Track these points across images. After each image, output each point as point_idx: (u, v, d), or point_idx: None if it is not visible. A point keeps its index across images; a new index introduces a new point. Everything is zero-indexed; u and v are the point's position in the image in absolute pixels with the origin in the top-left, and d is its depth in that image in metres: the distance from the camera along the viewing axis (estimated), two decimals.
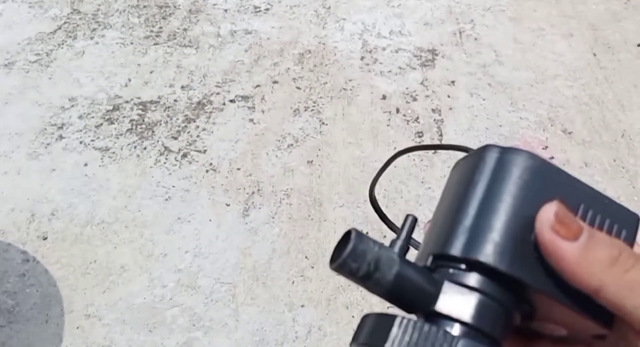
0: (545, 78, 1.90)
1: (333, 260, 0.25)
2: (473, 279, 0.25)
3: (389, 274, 0.25)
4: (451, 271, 0.26)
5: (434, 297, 0.25)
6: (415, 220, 0.29)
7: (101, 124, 1.76)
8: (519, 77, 1.91)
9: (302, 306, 1.38)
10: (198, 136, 1.73)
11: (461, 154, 0.31)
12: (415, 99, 1.83)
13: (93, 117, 1.78)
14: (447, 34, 2.07)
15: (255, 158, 1.67)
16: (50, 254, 1.46)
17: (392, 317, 0.24)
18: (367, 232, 1.48)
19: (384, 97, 1.84)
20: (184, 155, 1.68)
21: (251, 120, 1.78)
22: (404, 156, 1.66)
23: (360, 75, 1.91)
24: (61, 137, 1.72)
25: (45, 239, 1.49)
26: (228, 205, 1.56)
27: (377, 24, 2.10)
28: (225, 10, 2.16)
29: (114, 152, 1.68)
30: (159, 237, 1.49)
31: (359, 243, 0.25)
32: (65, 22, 2.10)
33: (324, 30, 2.08)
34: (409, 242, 0.28)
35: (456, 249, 0.26)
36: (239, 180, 1.62)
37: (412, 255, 0.28)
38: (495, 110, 1.80)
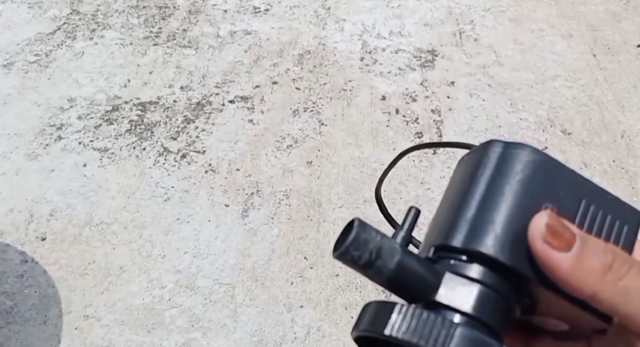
0: (545, 79, 1.90)
1: (336, 248, 0.26)
2: (474, 270, 0.26)
3: (391, 262, 0.25)
4: (452, 262, 0.26)
5: (435, 288, 0.26)
6: (418, 212, 0.29)
7: (100, 125, 1.76)
8: (519, 78, 1.90)
9: (301, 306, 1.38)
10: (197, 137, 1.73)
11: (464, 152, 0.31)
12: (414, 100, 1.83)
13: (92, 117, 1.78)
14: (447, 34, 2.06)
15: (255, 159, 1.67)
16: (49, 255, 1.46)
17: (392, 305, 0.24)
18: None
19: (383, 98, 1.84)
20: (183, 156, 1.68)
21: (250, 121, 1.77)
22: (404, 157, 1.66)
23: (360, 76, 1.91)
24: (60, 137, 1.72)
25: (43, 239, 1.48)
26: (227, 206, 1.56)
27: (376, 25, 2.10)
28: (225, 11, 2.16)
29: (113, 153, 1.68)
30: (158, 238, 1.49)
31: (362, 232, 0.25)
32: (64, 23, 2.10)
33: (324, 31, 2.08)
34: (411, 233, 0.28)
35: (457, 240, 0.26)
36: (238, 181, 1.62)
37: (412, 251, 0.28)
38: (494, 111, 1.80)
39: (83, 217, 1.53)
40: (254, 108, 1.81)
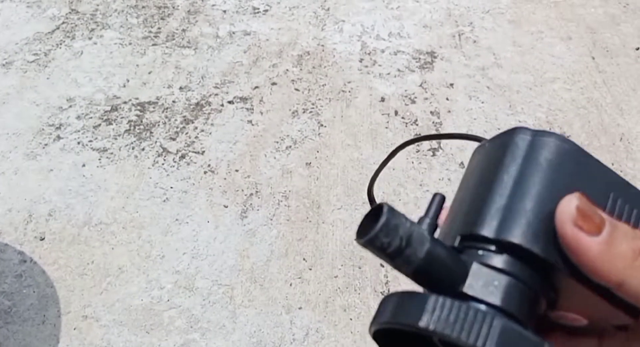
0: (543, 81, 1.91)
1: (362, 234, 0.24)
2: (503, 261, 0.25)
3: (420, 251, 0.24)
4: (480, 252, 0.25)
5: (462, 279, 0.25)
6: (443, 198, 0.28)
7: (99, 125, 1.76)
8: (518, 80, 1.91)
9: (300, 308, 1.38)
10: (196, 137, 1.73)
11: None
12: (413, 102, 1.83)
13: (91, 117, 1.78)
14: (446, 36, 2.07)
15: (254, 160, 1.67)
16: (48, 255, 1.45)
17: (424, 296, 0.23)
18: None
19: (382, 100, 1.84)
20: (182, 157, 1.68)
21: (249, 121, 1.77)
22: (403, 158, 1.66)
23: (359, 77, 1.91)
24: (59, 137, 1.72)
25: (42, 239, 1.48)
26: (226, 206, 1.56)
27: (376, 26, 2.10)
28: (224, 11, 2.16)
29: (112, 153, 1.68)
30: (157, 239, 1.49)
31: (392, 217, 0.24)
32: (63, 22, 2.09)
33: (323, 31, 2.08)
34: (436, 220, 0.27)
35: (488, 230, 0.25)
36: (237, 181, 1.62)
37: None
38: (493, 113, 1.80)
39: (82, 217, 1.53)
40: (253, 109, 1.81)
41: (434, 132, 1.74)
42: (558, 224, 0.24)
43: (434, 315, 0.22)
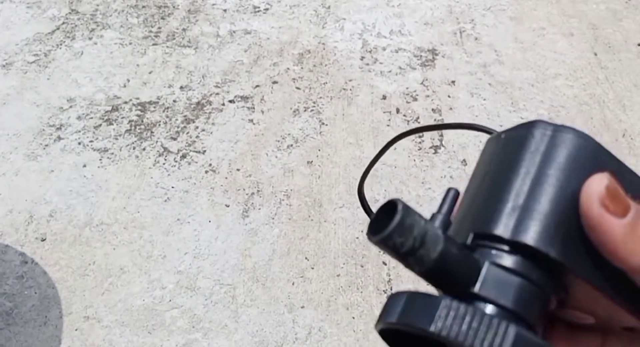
0: (545, 78, 1.90)
1: (375, 232, 0.23)
2: (516, 262, 0.24)
3: (434, 251, 0.23)
4: (493, 252, 0.25)
5: (474, 279, 0.24)
6: (457, 193, 0.28)
7: (100, 125, 1.75)
8: (520, 77, 1.90)
9: (302, 307, 1.37)
10: (197, 137, 1.72)
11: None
12: (415, 99, 1.82)
13: (92, 117, 1.77)
14: (448, 33, 2.06)
15: (255, 159, 1.66)
16: (49, 256, 1.45)
17: (435, 298, 0.22)
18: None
19: (384, 97, 1.83)
20: (183, 156, 1.67)
21: (251, 120, 1.77)
22: (405, 156, 1.66)
23: (360, 75, 1.91)
24: (59, 138, 1.72)
25: (43, 240, 1.48)
26: (227, 206, 1.55)
27: (377, 24, 2.10)
28: (225, 10, 2.15)
29: (112, 153, 1.68)
30: (158, 239, 1.49)
31: (407, 216, 0.23)
32: (63, 23, 2.09)
33: (324, 30, 2.08)
34: (449, 216, 0.27)
35: (503, 230, 0.24)
36: (239, 181, 1.61)
37: None
38: (495, 110, 1.80)
39: (83, 218, 1.53)
40: (254, 108, 1.80)
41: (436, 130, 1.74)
42: (584, 202, 0.23)
43: (446, 320, 0.22)
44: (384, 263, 1.44)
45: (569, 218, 0.24)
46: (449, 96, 1.83)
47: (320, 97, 1.83)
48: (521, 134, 0.27)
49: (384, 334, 0.25)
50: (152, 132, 1.73)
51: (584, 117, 1.78)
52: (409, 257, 0.23)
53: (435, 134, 1.72)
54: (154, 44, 2.01)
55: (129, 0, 2.19)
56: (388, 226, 0.23)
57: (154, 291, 1.39)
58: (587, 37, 2.04)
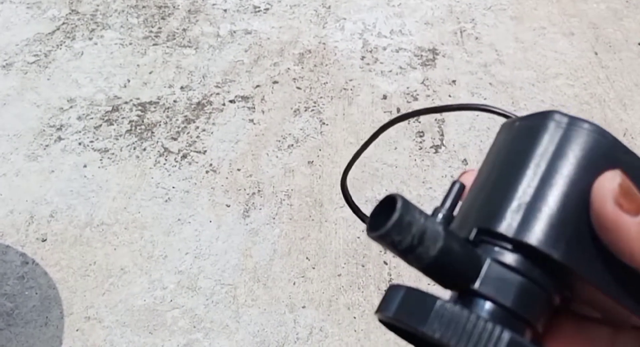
0: (546, 77, 1.90)
1: (373, 227, 0.23)
2: (519, 261, 0.24)
3: (433, 249, 0.23)
4: (496, 249, 0.24)
5: (475, 275, 0.24)
6: (462, 187, 0.27)
7: (100, 125, 1.75)
8: (520, 77, 1.90)
9: (303, 307, 1.37)
10: (198, 137, 1.72)
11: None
12: (416, 99, 1.82)
13: (92, 118, 1.77)
14: (448, 33, 2.06)
15: (256, 159, 1.66)
16: (50, 256, 1.45)
17: (431, 298, 0.22)
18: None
19: (384, 97, 1.83)
20: (184, 156, 1.67)
21: (251, 120, 1.77)
22: (405, 155, 1.65)
23: (361, 75, 1.91)
24: (60, 138, 1.71)
25: (44, 241, 1.48)
26: (228, 206, 1.55)
27: (377, 24, 2.10)
28: (225, 10, 2.15)
29: (113, 153, 1.68)
30: (159, 239, 1.48)
31: (406, 213, 0.23)
32: (63, 23, 2.09)
33: (324, 29, 2.08)
34: (453, 211, 0.26)
35: (507, 228, 0.24)
36: (239, 181, 1.61)
37: None
38: None
39: (84, 218, 1.52)
40: (254, 108, 1.80)
41: (436, 130, 1.73)
42: (596, 200, 0.23)
43: (440, 322, 0.21)
44: (385, 263, 1.44)
45: (577, 218, 0.23)
46: (449, 96, 1.83)
47: (321, 97, 1.83)
48: (535, 124, 0.26)
49: (383, 322, 0.25)
50: (152, 132, 1.73)
51: (585, 116, 1.77)
52: (407, 254, 0.23)
53: (436, 133, 1.72)
54: (154, 44, 2.01)
55: (129, 0, 2.19)
56: (386, 222, 0.22)
57: (155, 291, 1.39)
58: (587, 36, 2.04)
